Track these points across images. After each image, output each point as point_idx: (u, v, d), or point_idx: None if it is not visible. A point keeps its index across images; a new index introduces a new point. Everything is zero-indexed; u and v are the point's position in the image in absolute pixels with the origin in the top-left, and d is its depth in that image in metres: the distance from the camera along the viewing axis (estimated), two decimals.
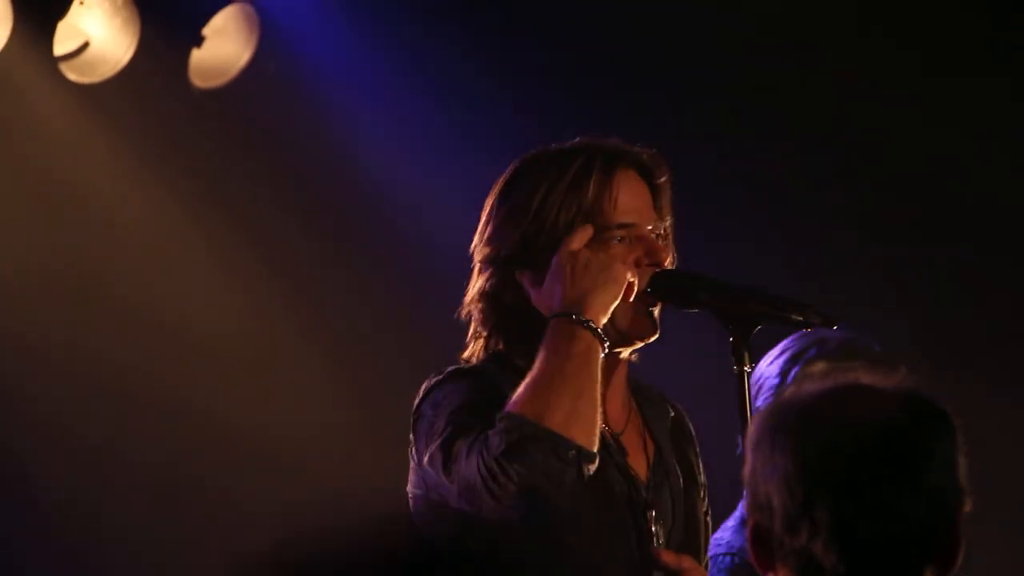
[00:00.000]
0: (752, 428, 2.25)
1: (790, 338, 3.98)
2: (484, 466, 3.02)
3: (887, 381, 2.24)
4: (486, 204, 3.32)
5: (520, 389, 3.10)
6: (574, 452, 3.06)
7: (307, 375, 5.88)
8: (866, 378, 2.25)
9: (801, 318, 3.24)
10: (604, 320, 3.17)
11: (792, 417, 2.22)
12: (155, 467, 5.57)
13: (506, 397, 3.12)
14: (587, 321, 3.14)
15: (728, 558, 3.92)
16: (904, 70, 6.06)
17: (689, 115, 5.94)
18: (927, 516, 2.19)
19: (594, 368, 3.13)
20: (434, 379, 3.24)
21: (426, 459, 3.14)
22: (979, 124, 6.04)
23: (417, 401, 3.23)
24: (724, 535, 3.94)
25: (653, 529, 3.26)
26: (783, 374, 3.94)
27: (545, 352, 3.13)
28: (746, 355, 3.23)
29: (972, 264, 6.15)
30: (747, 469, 2.24)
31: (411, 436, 3.22)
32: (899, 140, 6.06)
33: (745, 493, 2.26)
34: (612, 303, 3.19)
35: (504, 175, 3.32)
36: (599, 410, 3.12)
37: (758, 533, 2.23)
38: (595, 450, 3.09)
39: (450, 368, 3.26)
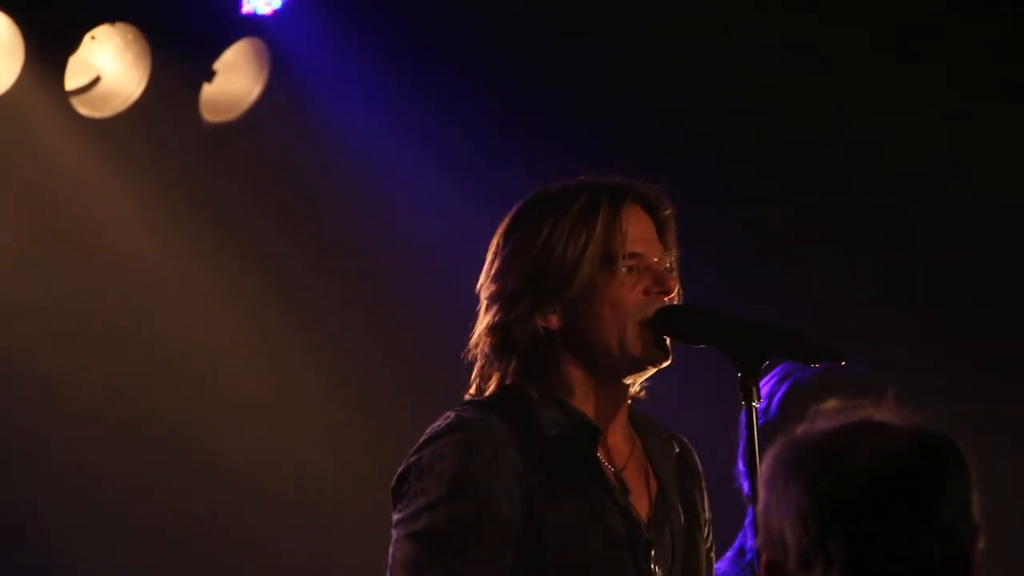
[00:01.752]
0: (765, 465, 2.25)
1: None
2: None
3: (900, 417, 2.25)
4: (491, 245, 3.34)
5: None
6: None
7: (318, 408, 5.88)
8: (879, 415, 2.26)
9: (807, 352, 3.24)
10: None
11: (806, 453, 2.22)
12: (159, 502, 5.57)
13: (502, 457, 3.15)
14: None
15: None
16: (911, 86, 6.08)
17: (687, 146, 5.97)
18: (940, 553, 2.19)
19: None
20: (430, 432, 3.24)
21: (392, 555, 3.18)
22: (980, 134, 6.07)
23: (411, 453, 3.25)
24: (722, 565, 3.94)
25: (653, 568, 3.25)
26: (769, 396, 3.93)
27: None
28: (754, 390, 3.22)
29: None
30: (760, 505, 2.25)
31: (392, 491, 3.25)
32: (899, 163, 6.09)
33: (754, 528, 2.25)
34: None
35: (509, 215, 3.34)
36: None
37: (771, 569, 2.23)
38: None
39: (446, 423, 3.24)
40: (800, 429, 2.27)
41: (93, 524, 5.49)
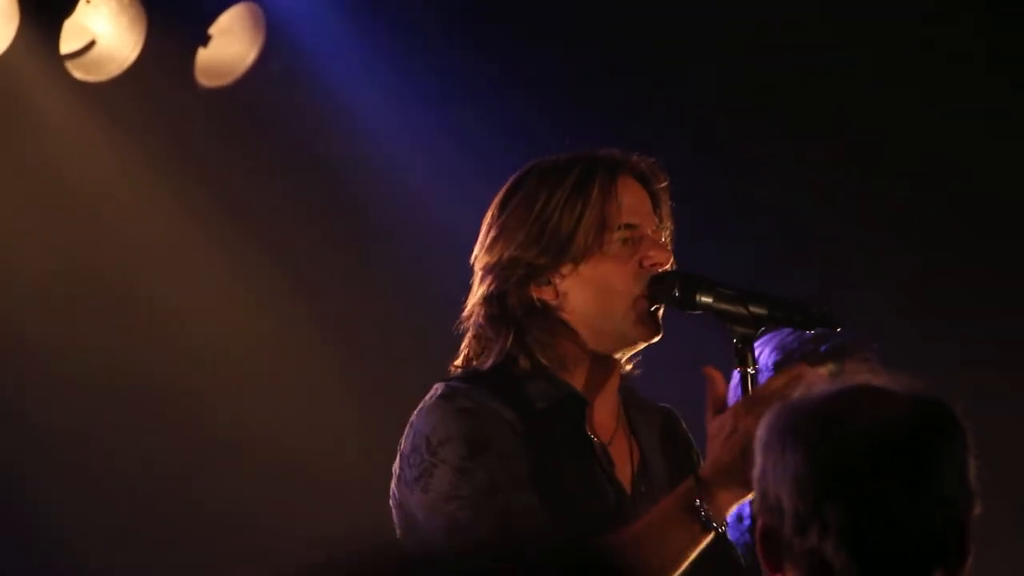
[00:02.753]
0: (762, 430, 2.25)
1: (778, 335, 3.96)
2: None
3: (897, 383, 2.25)
4: (486, 216, 3.34)
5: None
6: None
7: (318, 375, 5.87)
8: (876, 380, 2.25)
9: (803, 319, 3.23)
10: (728, 512, 3.16)
11: (803, 419, 2.22)
12: (165, 477, 5.57)
13: (500, 421, 3.16)
14: (711, 521, 3.10)
15: None
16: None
17: (687, 117, 5.96)
18: (938, 519, 2.20)
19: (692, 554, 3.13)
20: (423, 408, 3.24)
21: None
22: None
23: (408, 434, 3.24)
24: None
25: None
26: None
27: (657, 532, 3.11)
28: (749, 357, 3.23)
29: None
30: (756, 471, 2.24)
31: (397, 464, 3.24)
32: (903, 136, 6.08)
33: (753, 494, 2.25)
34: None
35: (504, 187, 3.35)
36: None
37: (767, 534, 2.24)
38: None
39: (436, 395, 3.24)
40: (797, 395, 2.27)
41: (85, 490, 5.48)
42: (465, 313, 3.33)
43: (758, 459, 2.24)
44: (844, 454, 2.19)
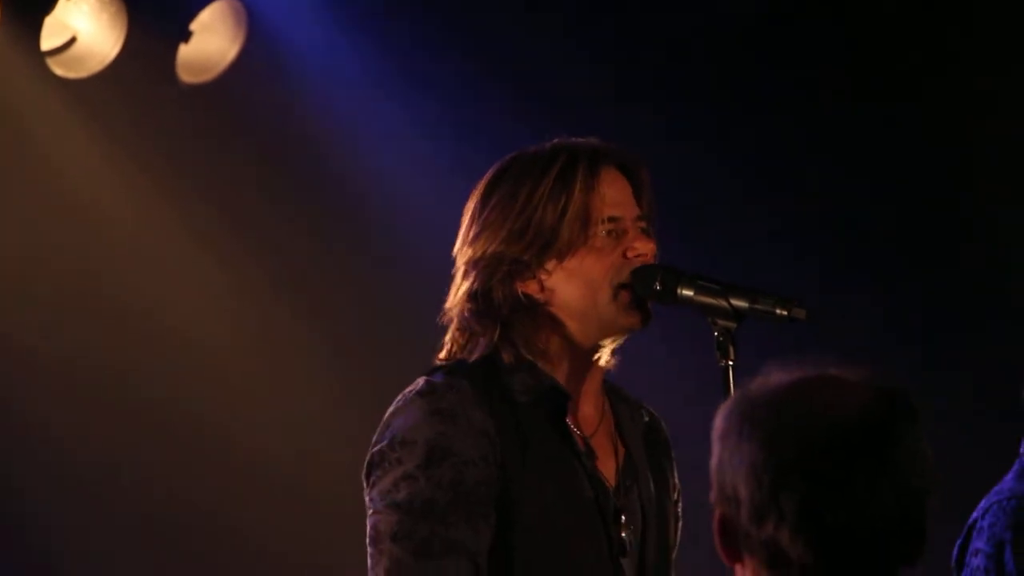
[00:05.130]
0: (719, 419, 2.23)
1: None
2: None
3: (855, 372, 2.24)
4: (466, 209, 3.33)
5: None
6: None
7: (301, 371, 5.87)
8: (834, 369, 2.24)
9: (785, 313, 3.24)
10: None
11: (760, 407, 2.21)
12: (149, 480, 5.56)
13: (475, 422, 3.17)
14: None
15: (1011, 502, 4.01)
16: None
17: (664, 113, 5.98)
18: (896, 506, 2.18)
19: None
20: (401, 401, 3.24)
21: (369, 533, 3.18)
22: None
23: (383, 424, 3.24)
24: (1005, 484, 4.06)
25: (623, 535, 3.27)
26: None
27: None
28: (731, 349, 3.23)
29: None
30: (713, 460, 2.23)
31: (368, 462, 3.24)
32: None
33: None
34: None
35: (484, 178, 3.34)
36: None
37: (724, 524, 2.22)
38: None
39: (416, 390, 3.24)
40: (753, 383, 2.26)
41: (74, 498, 5.47)
42: (448, 305, 3.33)
43: (715, 449, 2.23)
44: (801, 441, 2.17)
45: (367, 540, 3.18)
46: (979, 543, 4.01)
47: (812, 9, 6.15)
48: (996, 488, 4.04)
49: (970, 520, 4.12)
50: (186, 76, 5.58)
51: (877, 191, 6.16)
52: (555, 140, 3.34)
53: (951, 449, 5.50)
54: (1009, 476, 4.10)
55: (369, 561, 3.17)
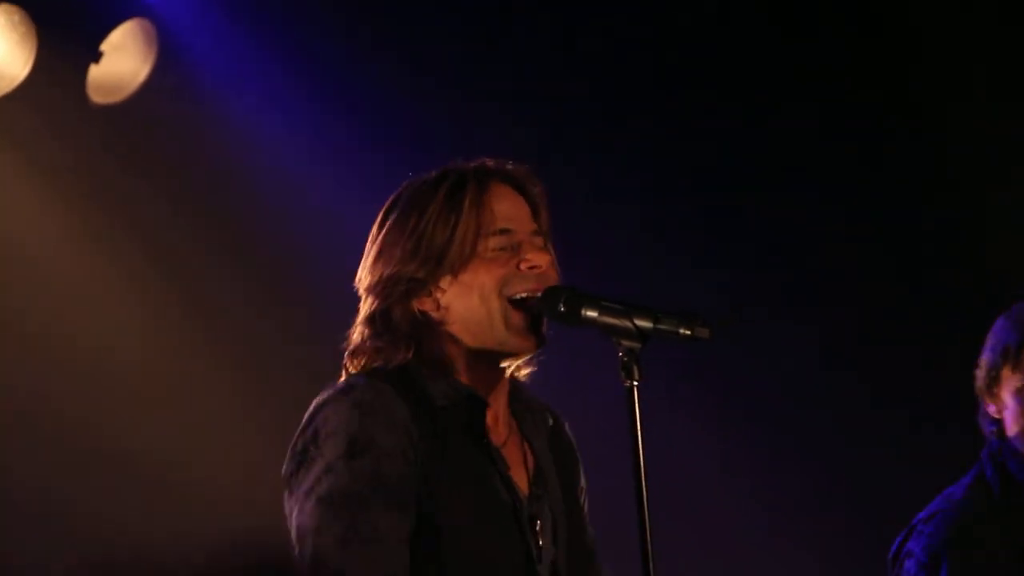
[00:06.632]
0: None
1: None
2: None
3: None
4: (368, 238, 3.37)
5: None
6: None
7: (208, 389, 5.85)
8: None
9: (688, 332, 3.27)
10: None
11: None
12: (52, 497, 5.53)
13: (397, 420, 3.19)
14: None
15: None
16: None
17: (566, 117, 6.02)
18: None
19: None
20: (322, 398, 3.27)
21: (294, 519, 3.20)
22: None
23: (304, 422, 3.26)
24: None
25: (540, 541, 3.29)
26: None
27: None
28: (635, 369, 3.24)
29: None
30: None
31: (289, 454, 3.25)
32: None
33: None
34: None
35: (381, 209, 3.39)
36: None
37: None
38: None
39: (337, 388, 3.27)
40: None
41: None
42: (351, 331, 3.36)
43: None
44: None
45: (293, 539, 3.20)
46: (915, 547, 4.06)
47: (748, 30, 6.20)
48: (948, 491, 4.08)
49: (915, 519, 4.17)
50: (97, 96, 5.56)
51: (813, 215, 6.22)
52: (445, 165, 3.38)
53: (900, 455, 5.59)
54: (964, 481, 4.15)
55: (296, 561, 3.18)
